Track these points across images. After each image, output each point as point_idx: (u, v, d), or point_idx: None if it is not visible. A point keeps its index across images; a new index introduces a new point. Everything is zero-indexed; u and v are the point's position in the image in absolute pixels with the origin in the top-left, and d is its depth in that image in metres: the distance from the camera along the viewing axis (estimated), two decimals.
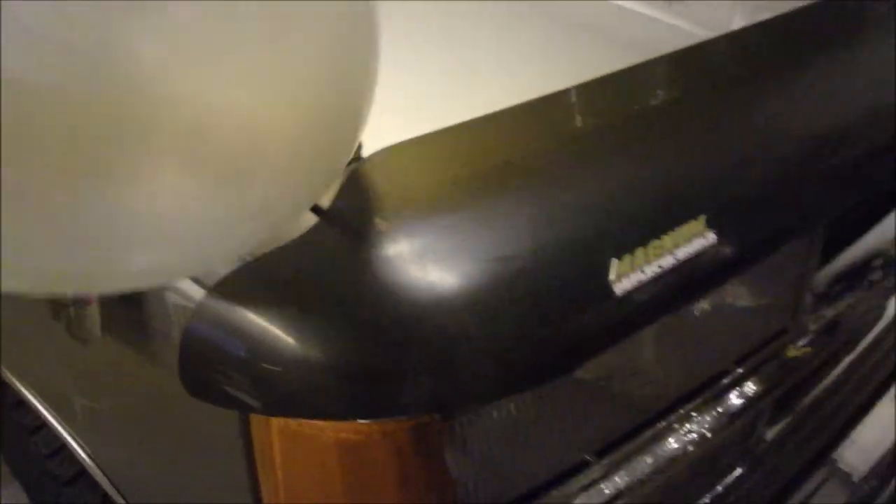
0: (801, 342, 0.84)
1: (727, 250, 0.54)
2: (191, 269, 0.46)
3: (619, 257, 0.48)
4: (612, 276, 0.48)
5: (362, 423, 0.52)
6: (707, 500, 0.81)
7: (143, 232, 0.36)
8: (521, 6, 0.76)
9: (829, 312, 0.88)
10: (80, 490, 0.95)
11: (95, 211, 0.33)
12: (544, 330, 0.47)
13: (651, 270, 0.49)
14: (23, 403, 1.02)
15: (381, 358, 0.47)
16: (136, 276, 0.39)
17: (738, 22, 0.73)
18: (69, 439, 0.79)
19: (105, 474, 0.74)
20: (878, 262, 0.94)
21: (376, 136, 0.51)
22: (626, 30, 0.74)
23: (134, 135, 0.32)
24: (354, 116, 0.41)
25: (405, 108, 0.60)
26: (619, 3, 0.76)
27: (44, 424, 1.00)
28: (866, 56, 0.78)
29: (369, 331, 0.47)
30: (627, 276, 0.48)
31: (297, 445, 0.53)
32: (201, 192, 0.36)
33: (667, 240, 0.50)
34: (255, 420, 0.53)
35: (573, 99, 0.56)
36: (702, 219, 0.52)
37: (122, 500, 0.75)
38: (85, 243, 0.35)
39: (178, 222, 0.37)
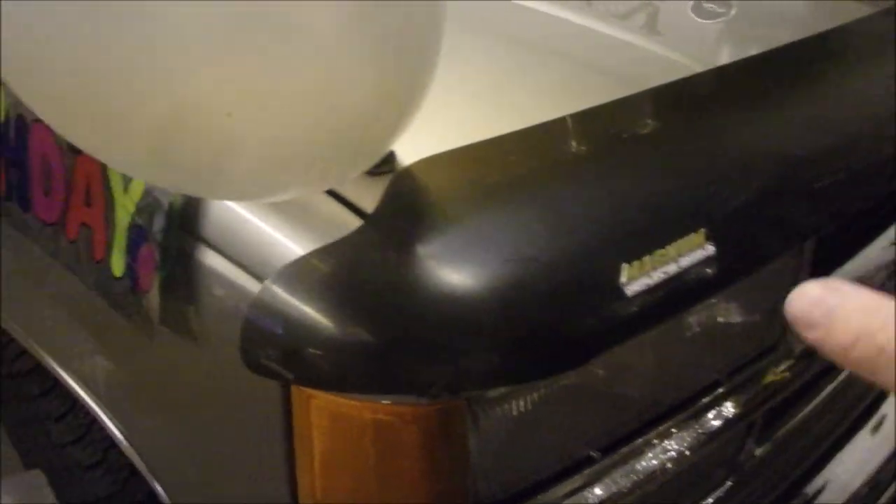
0: (781, 367, 0.89)
1: (724, 260, 0.60)
2: (274, 189, 0.54)
3: (629, 262, 0.55)
4: (623, 278, 0.54)
5: (394, 405, 0.58)
6: None
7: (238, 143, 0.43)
8: (534, 49, 0.83)
9: None
10: (102, 474, 1.00)
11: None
12: (562, 324, 0.53)
13: (657, 276, 0.55)
14: (51, 389, 1.07)
15: (408, 344, 0.53)
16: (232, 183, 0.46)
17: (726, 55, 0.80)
18: (103, 417, 0.84)
19: (139, 454, 0.80)
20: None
21: (412, 149, 0.58)
22: (629, 65, 0.81)
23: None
24: (410, 108, 0.48)
25: (437, 125, 0.67)
26: (622, 38, 0.83)
27: (71, 409, 1.05)
28: (856, 81, 0.86)
29: (403, 318, 0.53)
30: (637, 279, 0.55)
31: (333, 422, 0.59)
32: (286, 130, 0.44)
33: (671, 249, 0.57)
34: (297, 395, 0.59)
35: (590, 120, 0.63)
36: (702, 231, 0.59)
37: (155, 483, 0.80)
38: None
39: (265, 147, 0.44)
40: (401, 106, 0.47)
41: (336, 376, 0.54)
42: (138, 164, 0.47)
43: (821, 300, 0.29)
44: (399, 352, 0.53)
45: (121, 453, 0.83)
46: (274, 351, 0.54)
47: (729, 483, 0.95)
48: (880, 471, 1.19)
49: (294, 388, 0.59)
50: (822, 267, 0.87)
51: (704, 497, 0.93)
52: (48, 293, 0.90)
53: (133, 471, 0.85)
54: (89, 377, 0.87)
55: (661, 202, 0.60)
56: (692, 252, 0.58)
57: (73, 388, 0.89)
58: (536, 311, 0.52)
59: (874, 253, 1.02)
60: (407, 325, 0.54)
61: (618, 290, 0.54)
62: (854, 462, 1.18)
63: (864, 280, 1.03)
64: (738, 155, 0.67)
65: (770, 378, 0.88)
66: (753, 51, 0.84)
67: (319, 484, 0.62)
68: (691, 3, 1.05)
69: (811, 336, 0.30)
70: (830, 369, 1.04)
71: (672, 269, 0.56)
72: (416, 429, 0.58)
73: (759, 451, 0.98)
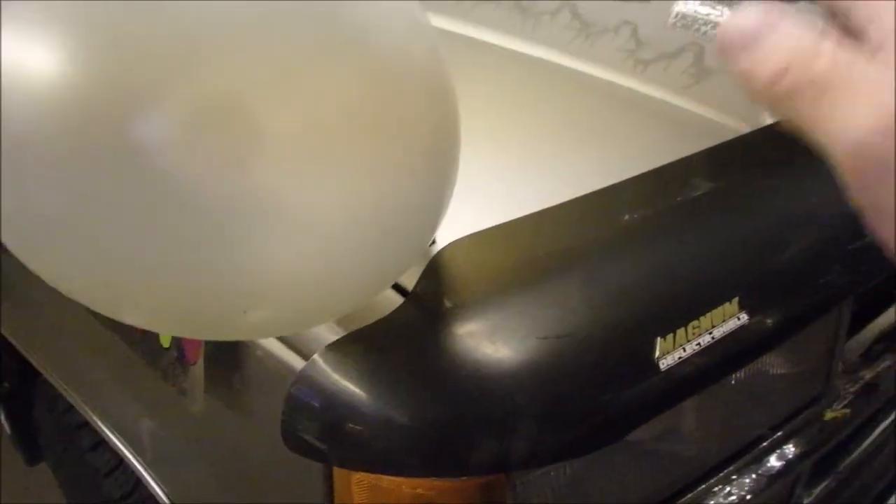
0: (838, 404, 0.89)
1: (759, 328, 0.60)
2: (293, 328, 0.55)
3: (663, 336, 0.55)
4: (657, 353, 0.55)
5: (434, 481, 0.59)
6: None
7: (258, 297, 0.44)
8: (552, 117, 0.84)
9: (866, 374, 0.93)
10: None
11: (223, 280, 0.42)
12: (596, 401, 0.54)
13: (691, 348, 0.56)
14: (99, 445, 1.10)
15: (452, 423, 0.54)
16: (251, 330, 0.47)
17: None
18: (148, 478, 0.87)
19: None
20: None
21: (450, 226, 0.60)
22: (671, 129, 0.82)
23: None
24: (432, 222, 0.49)
25: (473, 201, 0.68)
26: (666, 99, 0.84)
27: (119, 466, 1.08)
28: None
29: (442, 398, 0.54)
30: (670, 353, 0.55)
31: (374, 498, 0.60)
32: (306, 274, 0.44)
33: (704, 320, 0.57)
34: (339, 473, 0.60)
35: (619, 193, 0.64)
36: (735, 301, 0.59)
37: None
38: (214, 303, 0.44)
39: (285, 292, 0.45)
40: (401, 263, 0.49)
41: (375, 456, 0.55)
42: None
43: (756, 24, 0.27)
44: (437, 432, 0.54)
45: None
46: (314, 428, 0.55)
47: None
48: None
49: (337, 470, 0.60)
50: (861, 317, 0.87)
51: None
52: (98, 354, 0.93)
53: None
54: (136, 438, 0.90)
55: (695, 273, 0.61)
56: (726, 322, 0.58)
57: (119, 448, 0.92)
58: (571, 388, 0.53)
59: None
60: (446, 405, 0.55)
61: (652, 365, 0.54)
62: None
63: None
64: (773, 220, 0.68)
65: (830, 415, 0.87)
66: None
67: None
68: None
69: (740, 62, 0.27)
70: (875, 417, 1.03)
71: (706, 340, 0.57)
72: (457, 500, 0.59)
73: (808, 500, 0.96)
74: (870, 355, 0.95)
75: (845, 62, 0.26)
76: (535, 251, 0.59)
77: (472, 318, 0.55)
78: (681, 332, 0.56)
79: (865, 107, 0.25)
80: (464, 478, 0.57)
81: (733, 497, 0.79)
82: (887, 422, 1.10)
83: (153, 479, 0.87)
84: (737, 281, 0.61)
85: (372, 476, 0.59)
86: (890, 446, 1.15)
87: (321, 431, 0.56)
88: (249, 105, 0.37)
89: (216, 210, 0.39)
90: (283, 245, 0.41)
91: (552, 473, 0.61)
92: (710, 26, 1.12)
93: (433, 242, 0.57)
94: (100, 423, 0.96)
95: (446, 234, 0.58)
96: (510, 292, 0.56)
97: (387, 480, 0.59)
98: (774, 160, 0.75)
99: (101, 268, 0.40)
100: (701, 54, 1.00)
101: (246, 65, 0.37)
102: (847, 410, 0.90)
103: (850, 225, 0.73)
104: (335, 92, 0.39)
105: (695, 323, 0.57)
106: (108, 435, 0.95)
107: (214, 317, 0.43)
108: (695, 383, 0.58)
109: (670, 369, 0.55)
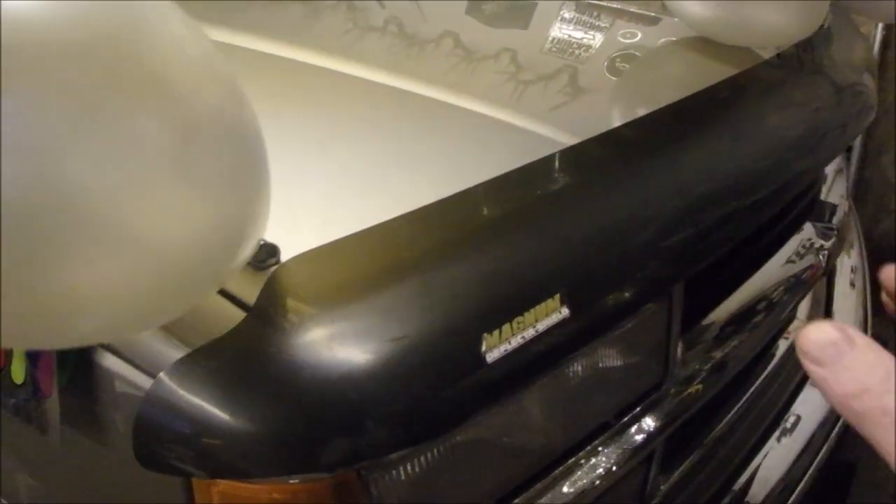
0: (689, 384, 0.97)
1: (581, 321, 0.67)
2: (122, 334, 0.58)
3: (489, 332, 0.61)
4: (483, 347, 0.60)
5: (290, 483, 0.62)
6: None
7: (83, 307, 0.47)
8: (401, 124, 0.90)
9: (717, 354, 1.02)
10: None
11: (47, 293, 0.44)
12: (431, 394, 0.59)
13: (516, 341, 0.62)
14: None
15: (299, 425, 0.58)
16: (84, 335, 0.50)
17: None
18: None
19: None
20: (761, 306, 1.10)
21: (295, 239, 0.64)
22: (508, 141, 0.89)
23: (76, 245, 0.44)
24: (246, 233, 0.53)
25: (312, 213, 0.73)
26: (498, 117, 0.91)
27: None
28: (716, 141, 0.95)
29: (289, 403, 0.58)
30: (497, 347, 0.61)
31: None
32: (123, 283, 0.48)
33: (528, 316, 0.63)
34: (197, 485, 0.63)
35: (451, 205, 0.70)
36: (557, 297, 0.65)
37: None
38: (39, 315, 0.46)
39: (108, 301, 0.48)
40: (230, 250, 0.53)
41: (230, 465, 0.58)
42: None
43: (835, 342, 0.30)
44: (286, 435, 0.58)
45: None
46: (167, 445, 0.58)
47: None
48: (790, 472, 1.27)
49: (195, 481, 0.63)
50: (695, 306, 0.95)
51: None
52: None
53: None
54: (13, 495, 0.88)
55: (521, 272, 0.67)
56: (549, 317, 0.64)
57: None
58: (405, 384, 0.58)
59: (773, 271, 1.12)
60: (292, 410, 0.58)
61: (479, 359, 0.60)
62: (764, 472, 1.26)
63: (766, 294, 1.13)
64: (594, 220, 0.75)
65: (660, 409, 0.95)
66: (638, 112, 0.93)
67: None
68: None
69: (818, 373, 0.30)
70: (727, 396, 1.12)
71: (530, 333, 0.63)
72: (312, 502, 0.62)
73: (664, 486, 1.04)
74: (720, 336, 1.04)
75: None
76: (372, 262, 0.64)
77: (312, 327, 0.59)
78: (506, 327, 0.62)
79: None
80: (316, 476, 0.60)
81: (590, 478, 0.85)
82: (740, 403, 1.20)
83: None
84: (559, 278, 0.67)
85: (230, 484, 0.62)
86: (743, 425, 1.25)
87: (173, 447, 0.58)
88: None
89: (40, 228, 0.41)
90: (107, 261, 0.44)
91: (403, 470, 0.65)
92: (582, 49, 1.22)
93: (273, 255, 0.61)
94: None
95: (287, 250, 0.62)
96: (348, 302, 0.61)
97: (245, 488, 0.62)
98: (605, 165, 0.83)
99: None
100: (575, 75, 1.09)
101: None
102: (700, 387, 0.98)
103: (669, 222, 0.81)
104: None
105: (519, 318, 0.63)
106: None
107: (45, 328, 0.46)
108: (521, 374, 0.64)
109: (496, 362, 0.60)
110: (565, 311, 0.65)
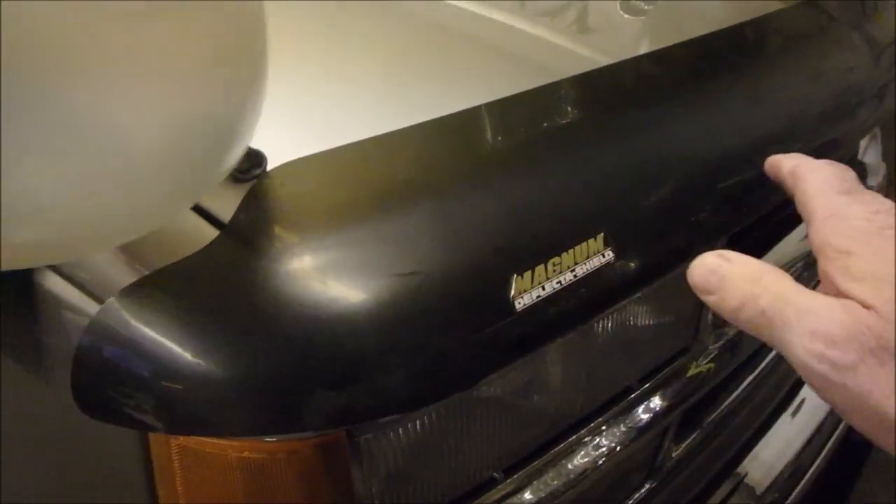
0: (702, 360, 0.87)
1: (625, 268, 0.55)
2: (67, 253, 0.46)
3: (520, 274, 0.49)
4: (512, 292, 0.49)
5: (266, 442, 0.51)
6: None
7: (21, 213, 0.35)
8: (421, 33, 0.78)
9: (730, 331, 0.92)
10: None
11: None
12: (445, 345, 0.47)
13: (550, 287, 0.50)
14: None
15: (282, 374, 0.47)
16: (17, 253, 0.38)
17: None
18: None
19: None
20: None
21: (280, 149, 0.52)
22: (533, 55, 0.76)
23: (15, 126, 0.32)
24: (235, 131, 0.41)
25: (308, 122, 0.60)
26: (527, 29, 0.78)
27: None
28: (769, 77, 0.83)
29: (270, 346, 0.46)
30: (528, 292, 0.49)
31: (198, 464, 0.52)
32: (74, 186, 0.36)
33: (566, 257, 0.52)
34: (154, 439, 0.52)
35: (475, 118, 0.58)
36: (600, 237, 0.54)
37: None
38: None
39: (53, 209, 0.36)
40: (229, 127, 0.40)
41: (191, 417, 0.47)
42: None
43: (715, 268, 0.34)
44: (264, 384, 0.47)
45: None
46: (112, 386, 0.46)
47: (647, 486, 0.92)
48: (801, 453, 1.20)
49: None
50: None
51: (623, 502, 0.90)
52: None
53: None
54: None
55: (558, 206, 0.55)
56: (590, 259, 0.53)
57: None
58: (414, 331, 0.47)
59: (790, 247, 1.01)
60: (272, 353, 0.47)
61: (507, 305, 0.48)
62: (775, 449, 1.18)
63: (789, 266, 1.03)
64: (643, 155, 0.63)
65: (694, 370, 0.85)
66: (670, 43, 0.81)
67: None
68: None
69: (709, 300, 0.34)
70: (744, 367, 1.02)
71: (567, 278, 0.51)
72: (291, 466, 0.52)
73: (676, 453, 0.95)
74: None
75: (784, 295, 0.32)
76: (377, 179, 0.52)
77: (301, 252, 0.47)
78: (539, 269, 0.50)
79: (799, 336, 0.30)
80: (297, 436, 0.50)
81: (603, 448, 0.75)
82: (750, 378, 1.11)
83: None
84: (603, 216, 0.56)
85: (192, 440, 0.51)
86: (753, 401, 1.16)
87: (122, 391, 0.47)
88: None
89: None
90: (63, 153, 0.32)
91: (401, 431, 0.54)
92: None
93: (259, 163, 0.49)
94: None
95: (272, 159, 0.50)
96: (346, 224, 0.49)
97: (210, 444, 0.51)
98: (647, 91, 0.71)
99: None
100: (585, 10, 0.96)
101: None
102: (712, 365, 0.88)
103: (723, 164, 0.70)
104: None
105: (555, 260, 0.51)
106: None
107: None
108: (555, 326, 0.52)
109: (527, 309, 0.49)
110: (609, 255, 0.54)
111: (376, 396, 0.48)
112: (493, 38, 0.80)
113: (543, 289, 0.50)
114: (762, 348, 1.07)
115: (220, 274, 0.47)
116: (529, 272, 0.50)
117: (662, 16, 1.02)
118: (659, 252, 0.60)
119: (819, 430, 1.24)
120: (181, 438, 0.51)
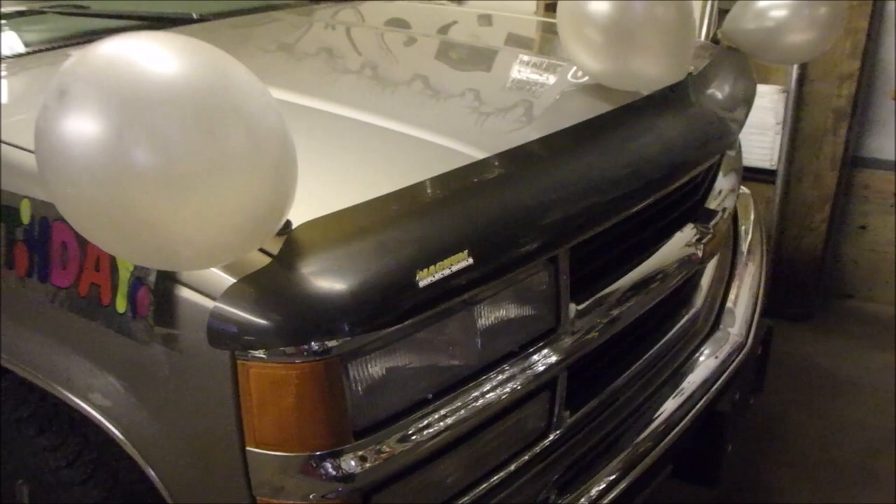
0: (587, 332, 1.37)
1: (480, 268, 1.07)
2: (207, 264, 0.96)
3: (422, 269, 1.00)
4: (417, 278, 0.99)
5: (296, 363, 1.00)
6: None
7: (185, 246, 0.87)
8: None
9: (614, 311, 1.43)
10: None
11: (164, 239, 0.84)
12: (381, 305, 0.98)
13: (438, 275, 1.01)
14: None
15: (304, 316, 0.97)
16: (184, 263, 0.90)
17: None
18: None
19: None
20: (649, 281, 1.52)
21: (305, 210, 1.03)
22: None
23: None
24: (284, 212, 0.93)
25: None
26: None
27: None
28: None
29: (297, 303, 0.97)
30: (425, 278, 1.00)
31: (262, 380, 1.01)
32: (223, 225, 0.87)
33: (447, 261, 1.03)
34: (241, 367, 1.01)
35: (404, 190, 1.10)
36: (465, 251, 1.05)
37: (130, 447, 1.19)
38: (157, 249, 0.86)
39: (199, 246, 0.87)
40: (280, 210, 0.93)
41: (267, 340, 0.97)
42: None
43: None
44: (295, 323, 0.97)
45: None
46: (227, 329, 0.96)
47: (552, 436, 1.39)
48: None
49: (239, 364, 1.01)
50: (581, 272, 1.35)
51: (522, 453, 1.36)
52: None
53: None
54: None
55: (443, 235, 1.07)
56: (459, 263, 1.04)
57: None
58: (370, 297, 0.97)
59: (673, 251, 1.53)
60: (299, 307, 0.97)
61: (414, 284, 0.99)
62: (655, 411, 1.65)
63: (665, 272, 1.54)
64: (499, 202, 1.16)
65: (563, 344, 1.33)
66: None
67: (257, 423, 1.03)
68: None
69: None
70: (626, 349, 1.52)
71: (447, 272, 1.03)
72: (308, 376, 1.01)
73: (570, 419, 1.42)
74: (620, 300, 1.44)
75: None
76: (357, 225, 1.04)
77: (315, 263, 0.98)
78: (432, 267, 1.01)
79: None
80: (312, 359, 0.99)
81: (502, 391, 1.23)
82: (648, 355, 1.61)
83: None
84: (467, 238, 1.07)
85: (261, 366, 1.01)
86: (641, 380, 1.64)
87: (230, 332, 0.97)
88: None
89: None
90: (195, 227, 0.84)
91: (370, 360, 1.04)
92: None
93: (289, 226, 1.00)
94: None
95: (301, 216, 1.01)
96: (339, 249, 1.00)
97: (269, 367, 1.01)
98: (520, 167, 1.23)
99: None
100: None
101: None
102: (595, 334, 1.38)
103: (547, 208, 1.22)
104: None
105: (441, 262, 1.02)
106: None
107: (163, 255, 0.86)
108: (441, 297, 1.03)
109: (424, 287, 1.00)
110: (470, 260, 1.05)
111: (350, 325, 0.98)
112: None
113: (434, 276, 1.01)
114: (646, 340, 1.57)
115: (272, 276, 0.98)
116: (426, 269, 1.01)
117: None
118: (505, 258, 1.11)
119: (691, 396, 1.71)
120: (255, 366, 1.00)
